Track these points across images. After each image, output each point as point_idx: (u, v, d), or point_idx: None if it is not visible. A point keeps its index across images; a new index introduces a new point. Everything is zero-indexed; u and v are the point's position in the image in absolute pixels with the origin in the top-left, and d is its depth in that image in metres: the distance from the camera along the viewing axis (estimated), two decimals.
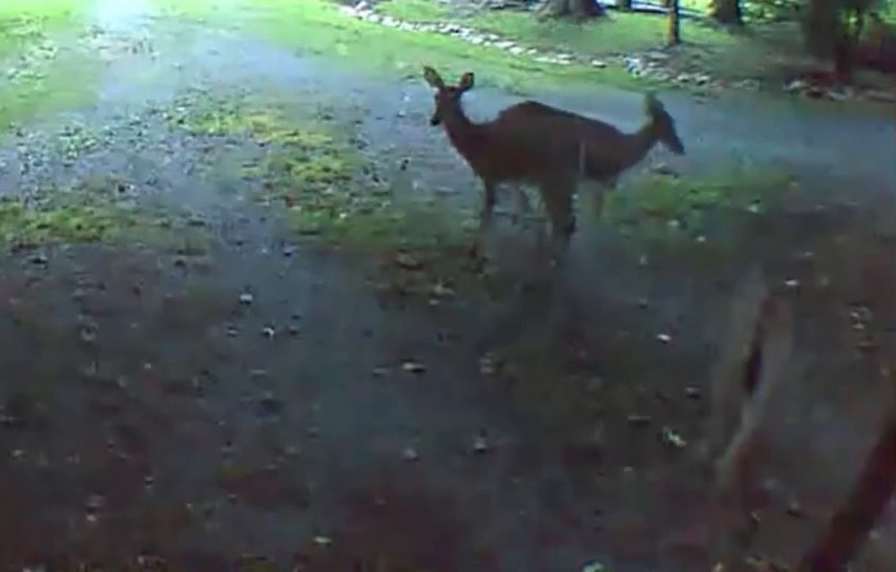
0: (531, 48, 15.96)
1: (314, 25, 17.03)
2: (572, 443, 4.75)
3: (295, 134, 9.73)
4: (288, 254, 6.93)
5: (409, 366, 5.43)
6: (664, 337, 5.94)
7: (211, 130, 9.80)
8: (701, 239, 7.44)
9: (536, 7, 18.13)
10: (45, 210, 7.44)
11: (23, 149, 8.93)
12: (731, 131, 10.04)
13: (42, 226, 7.10)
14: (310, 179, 8.43)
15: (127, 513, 4.08)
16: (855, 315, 6.27)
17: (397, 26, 17.73)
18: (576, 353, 5.65)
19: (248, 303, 6.09)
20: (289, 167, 8.72)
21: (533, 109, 7.14)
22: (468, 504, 4.29)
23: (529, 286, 6.53)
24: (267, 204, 7.84)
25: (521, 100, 8.21)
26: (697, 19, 17.93)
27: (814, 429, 4.93)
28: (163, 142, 9.38)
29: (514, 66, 14.47)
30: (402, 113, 10.86)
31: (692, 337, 5.90)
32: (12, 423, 4.67)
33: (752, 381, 4.02)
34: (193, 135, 9.65)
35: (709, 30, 17.30)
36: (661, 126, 6.98)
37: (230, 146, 9.32)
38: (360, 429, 4.80)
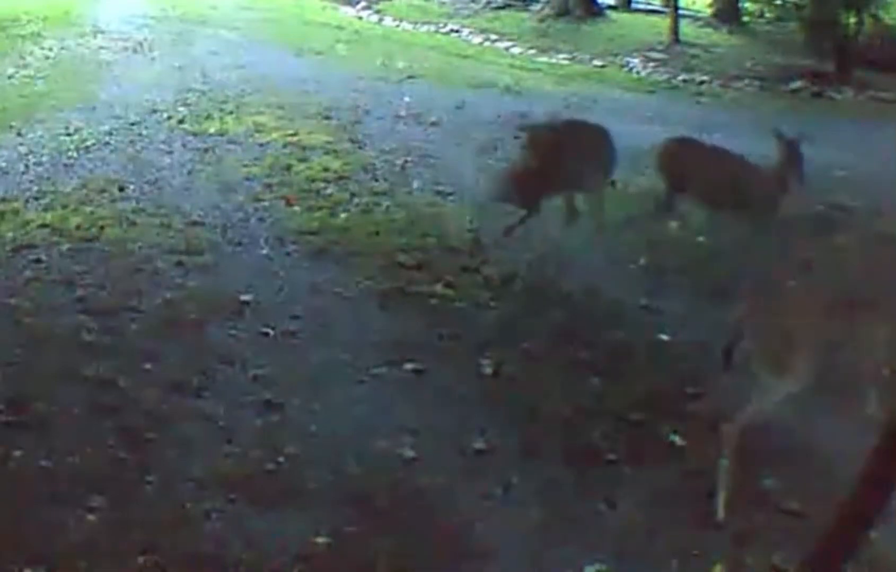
0: (531, 48, 15.98)
1: (314, 25, 17.05)
2: (572, 443, 4.75)
3: (295, 134, 9.73)
4: (288, 254, 6.93)
5: (409, 366, 5.43)
6: (664, 337, 5.95)
7: (211, 130, 9.80)
8: (701, 239, 7.44)
9: (536, 7, 18.16)
10: (45, 210, 7.44)
11: (23, 149, 8.93)
12: (732, 131, 10.01)
13: (42, 226, 7.10)
14: (310, 179, 8.44)
15: (127, 513, 4.08)
16: None
17: (397, 26, 17.75)
18: (575, 353, 5.65)
19: (248, 303, 6.08)
20: (289, 167, 8.73)
21: (688, 143, 7.27)
22: (468, 504, 4.29)
23: (530, 286, 6.54)
24: (267, 204, 7.84)
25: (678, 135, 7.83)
26: (697, 19, 17.96)
27: (814, 428, 4.93)
28: (163, 142, 9.39)
29: (514, 66, 14.49)
30: (402, 113, 10.87)
31: (692, 337, 5.90)
32: (12, 423, 4.67)
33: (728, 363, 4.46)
34: (193, 135, 9.66)
35: (709, 30, 17.32)
36: (794, 161, 6.80)
37: (230, 146, 9.32)
38: (360, 429, 4.80)
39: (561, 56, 15.51)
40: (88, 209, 7.49)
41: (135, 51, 13.88)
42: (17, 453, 4.44)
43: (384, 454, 4.60)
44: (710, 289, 6.61)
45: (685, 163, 7.00)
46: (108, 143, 9.24)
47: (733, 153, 7.16)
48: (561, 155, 6.73)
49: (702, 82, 14.20)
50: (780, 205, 6.98)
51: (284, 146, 9.34)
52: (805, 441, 4.81)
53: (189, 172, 8.55)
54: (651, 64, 15.02)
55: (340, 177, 8.53)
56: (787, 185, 6.87)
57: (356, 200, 8.01)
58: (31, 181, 8.11)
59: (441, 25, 17.60)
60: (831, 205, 8.20)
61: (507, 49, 16.06)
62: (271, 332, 5.75)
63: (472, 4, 18.75)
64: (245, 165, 8.74)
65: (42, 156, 8.76)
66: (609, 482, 4.48)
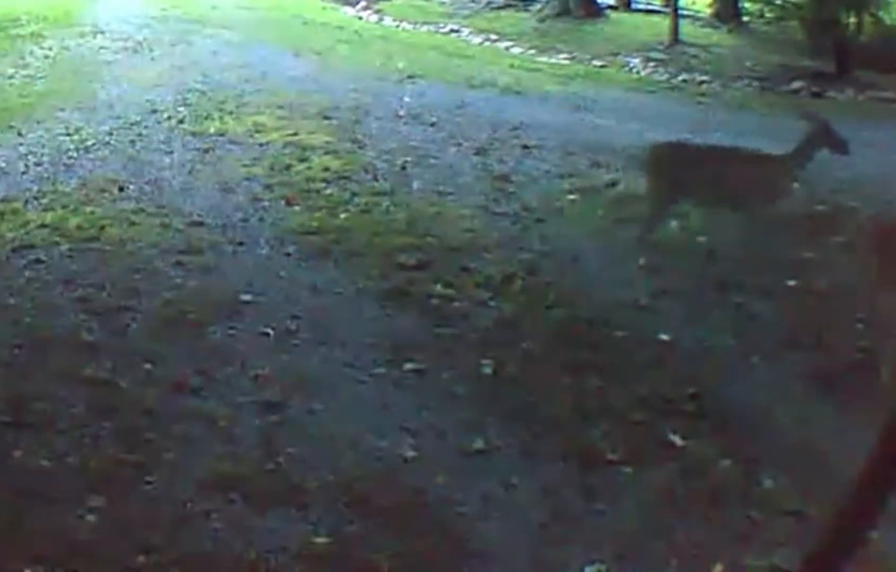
0: (531, 48, 15.95)
1: (314, 25, 17.02)
2: (572, 443, 4.75)
3: (295, 134, 9.72)
4: (288, 254, 6.92)
5: (409, 365, 5.44)
6: (664, 336, 5.94)
7: (211, 130, 9.79)
8: (701, 239, 7.44)
9: (536, 7, 18.12)
10: (45, 210, 7.43)
11: (23, 149, 8.92)
12: (732, 131, 10.01)
13: (42, 226, 7.10)
14: (310, 179, 8.43)
15: (127, 513, 4.08)
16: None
17: (397, 26, 17.72)
18: (575, 353, 5.65)
19: (248, 303, 6.09)
20: (289, 167, 8.72)
21: None
22: (468, 504, 4.29)
23: (530, 286, 6.54)
24: (267, 204, 7.84)
25: None
26: (697, 19, 17.92)
27: (814, 428, 4.93)
28: (163, 142, 9.37)
29: (514, 66, 14.47)
30: (401, 113, 10.85)
31: (692, 337, 5.90)
32: (12, 423, 4.67)
33: None
34: (193, 135, 9.64)
35: (709, 30, 17.30)
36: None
37: (230, 146, 9.31)
38: (360, 429, 4.80)
39: (561, 56, 15.48)
40: (88, 209, 7.49)
41: (135, 51, 13.86)
42: (17, 453, 4.45)
43: (384, 454, 4.60)
44: (710, 289, 6.62)
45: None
46: (108, 143, 9.23)
47: None
48: None
49: (702, 82, 14.18)
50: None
51: (284, 146, 9.33)
52: (805, 441, 4.82)
53: (189, 172, 8.54)
54: (651, 64, 15.00)
55: (340, 177, 8.52)
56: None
57: (356, 200, 8.00)
58: (31, 181, 8.10)
59: (441, 25, 17.57)
60: (831, 205, 8.19)
61: (507, 49, 16.03)
62: (271, 332, 5.75)
63: (472, 4, 18.71)
64: (245, 165, 8.73)
65: (42, 156, 8.75)
66: (609, 482, 4.48)
